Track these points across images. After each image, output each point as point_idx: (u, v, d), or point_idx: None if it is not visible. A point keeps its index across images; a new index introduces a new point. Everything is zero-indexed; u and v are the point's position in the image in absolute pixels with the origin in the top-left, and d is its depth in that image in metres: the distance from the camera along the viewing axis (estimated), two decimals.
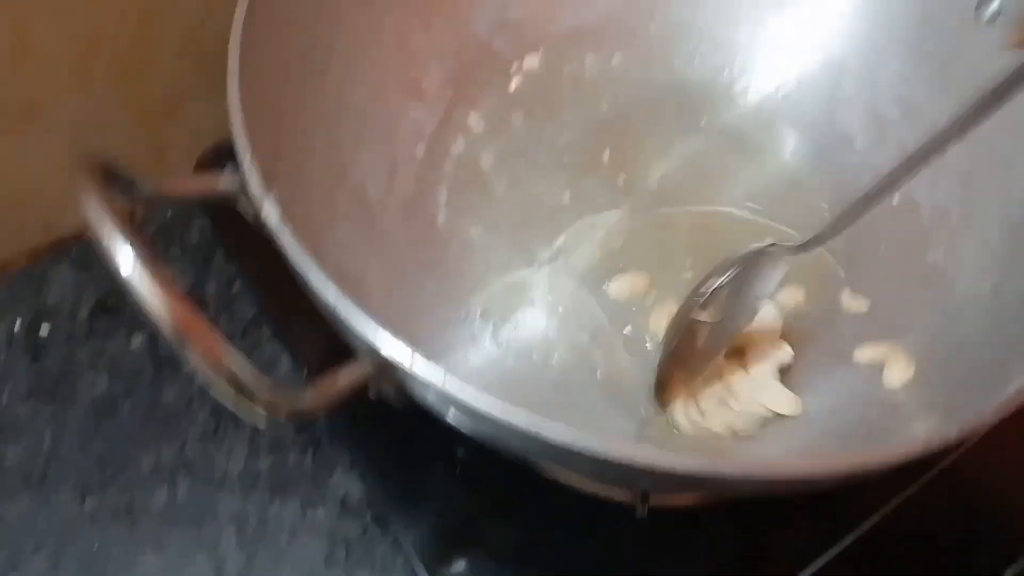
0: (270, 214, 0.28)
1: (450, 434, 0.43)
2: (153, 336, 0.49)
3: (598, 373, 0.40)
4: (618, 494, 0.39)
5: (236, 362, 0.24)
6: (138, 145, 0.50)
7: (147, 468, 0.45)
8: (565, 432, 0.25)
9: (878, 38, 0.46)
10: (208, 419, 0.47)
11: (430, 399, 0.28)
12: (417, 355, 0.26)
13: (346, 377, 0.27)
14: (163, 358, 0.49)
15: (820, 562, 0.40)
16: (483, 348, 0.40)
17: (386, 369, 0.27)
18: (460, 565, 0.41)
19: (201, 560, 0.43)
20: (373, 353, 0.27)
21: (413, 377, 0.26)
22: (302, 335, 0.47)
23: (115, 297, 0.50)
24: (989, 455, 0.43)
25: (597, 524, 0.40)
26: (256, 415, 0.25)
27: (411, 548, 0.41)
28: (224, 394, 0.24)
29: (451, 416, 0.29)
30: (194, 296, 0.51)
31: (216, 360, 0.23)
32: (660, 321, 0.40)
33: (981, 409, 0.28)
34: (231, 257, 0.51)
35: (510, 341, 0.40)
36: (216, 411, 0.47)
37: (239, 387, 0.24)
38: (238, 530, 0.44)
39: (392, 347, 0.26)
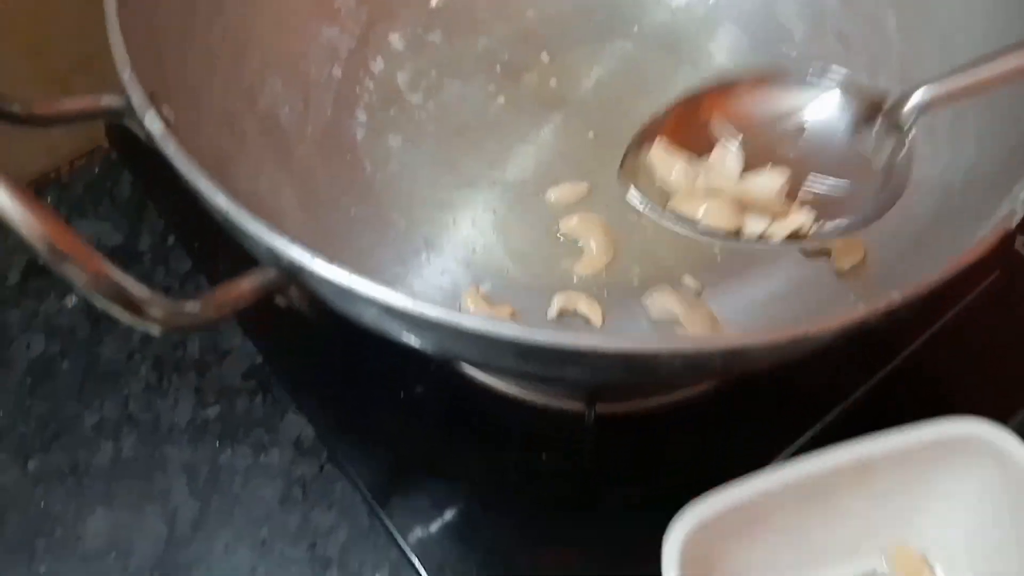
0: (153, 125, 0.26)
1: (395, 367, 0.42)
2: None
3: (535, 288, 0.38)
4: (567, 404, 0.38)
5: (117, 275, 0.23)
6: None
7: (90, 425, 0.44)
8: (479, 321, 0.24)
9: None
10: (150, 372, 0.46)
11: (339, 303, 0.26)
12: (318, 256, 0.25)
13: (247, 284, 0.25)
14: (100, 315, 0.47)
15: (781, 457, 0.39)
16: (412, 268, 0.38)
17: (290, 274, 0.26)
18: (419, 497, 0.40)
19: (152, 512, 0.42)
20: (273, 258, 0.26)
21: (315, 277, 0.25)
22: None
23: None
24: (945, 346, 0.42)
25: (548, 436, 0.39)
26: (150, 327, 0.24)
27: (366, 484, 0.40)
28: (112, 309, 0.23)
29: (368, 320, 0.28)
30: (127, 250, 0.49)
31: (96, 274, 0.22)
32: (596, 228, 0.39)
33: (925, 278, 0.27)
34: (162, 212, 0.50)
35: (442, 258, 0.39)
36: (158, 364, 0.46)
37: (124, 300, 0.23)
38: (189, 479, 0.43)
39: (292, 249, 0.25)
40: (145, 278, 0.48)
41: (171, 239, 0.50)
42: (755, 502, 0.30)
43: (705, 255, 0.38)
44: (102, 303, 0.23)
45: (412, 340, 0.27)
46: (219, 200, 0.25)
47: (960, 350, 0.41)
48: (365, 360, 0.43)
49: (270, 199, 0.35)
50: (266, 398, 0.45)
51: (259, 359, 0.46)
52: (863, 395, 0.39)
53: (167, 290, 0.48)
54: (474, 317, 0.24)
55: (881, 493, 0.31)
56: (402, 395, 0.40)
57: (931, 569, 0.32)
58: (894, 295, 0.26)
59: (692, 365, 0.26)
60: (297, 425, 0.45)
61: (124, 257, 0.49)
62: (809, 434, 0.38)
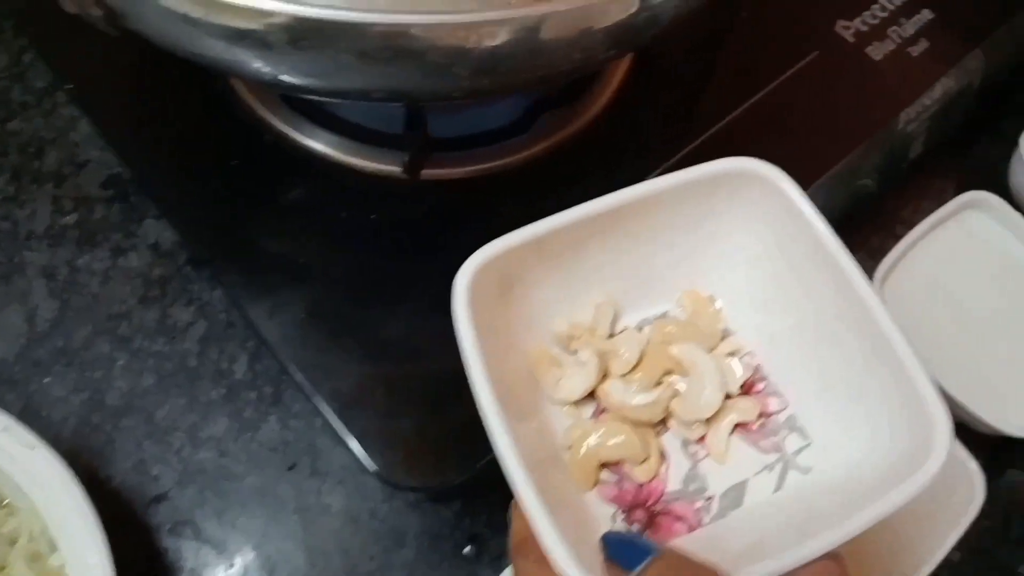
0: None
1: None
2: None
3: None
4: (396, 171, 0.40)
5: None
6: None
7: None
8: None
9: None
10: (7, 184, 0.46)
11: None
12: None
13: None
14: None
15: None
16: None
17: None
18: (274, 290, 0.41)
19: (12, 311, 0.43)
20: None
21: None
22: (102, 99, 0.46)
23: None
24: None
25: (379, 198, 0.41)
26: None
27: (227, 279, 0.41)
28: None
29: (173, 35, 0.28)
30: None
31: None
32: None
33: None
34: (20, 29, 0.50)
35: None
36: (16, 175, 0.46)
37: None
38: (48, 281, 0.44)
39: None
40: (2, 95, 0.49)
41: (27, 58, 0.50)
42: (548, 240, 0.30)
43: None
44: None
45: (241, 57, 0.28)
46: None
47: (773, 123, 0.43)
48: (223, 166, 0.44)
49: None
50: (124, 206, 0.46)
51: (117, 169, 0.47)
52: (678, 161, 0.40)
53: (24, 106, 0.48)
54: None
55: (668, 235, 0.32)
56: (235, 165, 0.41)
57: (717, 307, 0.34)
58: None
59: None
60: (155, 230, 0.46)
61: None
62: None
